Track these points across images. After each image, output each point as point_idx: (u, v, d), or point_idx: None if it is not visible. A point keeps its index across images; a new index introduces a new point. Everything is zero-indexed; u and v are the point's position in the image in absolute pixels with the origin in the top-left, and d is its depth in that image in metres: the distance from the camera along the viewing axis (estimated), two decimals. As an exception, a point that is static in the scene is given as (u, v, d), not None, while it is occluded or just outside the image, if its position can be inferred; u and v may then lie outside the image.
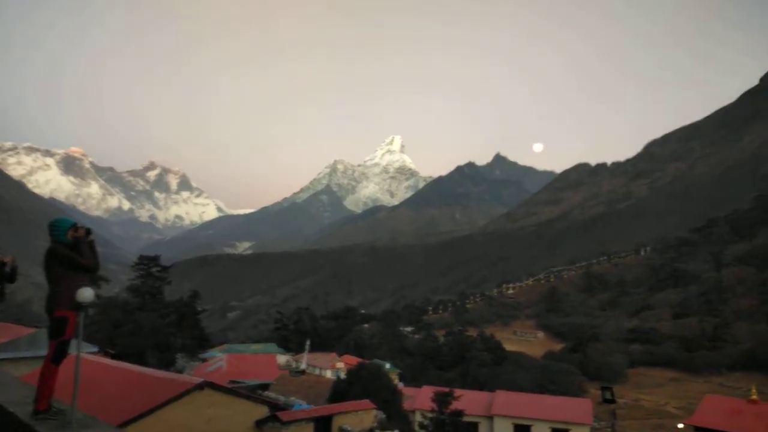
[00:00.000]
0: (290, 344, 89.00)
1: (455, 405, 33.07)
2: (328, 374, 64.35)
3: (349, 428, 23.41)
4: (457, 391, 35.82)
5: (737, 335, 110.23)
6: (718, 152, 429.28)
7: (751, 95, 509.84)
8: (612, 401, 33.37)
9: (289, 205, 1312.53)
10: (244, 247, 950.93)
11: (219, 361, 57.72)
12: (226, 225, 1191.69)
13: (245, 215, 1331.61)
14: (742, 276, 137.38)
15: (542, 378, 78.91)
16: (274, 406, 21.15)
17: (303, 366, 62.68)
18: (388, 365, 70.73)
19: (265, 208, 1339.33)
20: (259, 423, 19.74)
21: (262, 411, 20.01)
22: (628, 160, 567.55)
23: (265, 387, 40.81)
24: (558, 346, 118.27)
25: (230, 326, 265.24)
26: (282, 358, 69.10)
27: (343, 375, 46.03)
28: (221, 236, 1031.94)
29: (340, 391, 37.67)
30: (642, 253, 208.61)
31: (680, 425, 46.36)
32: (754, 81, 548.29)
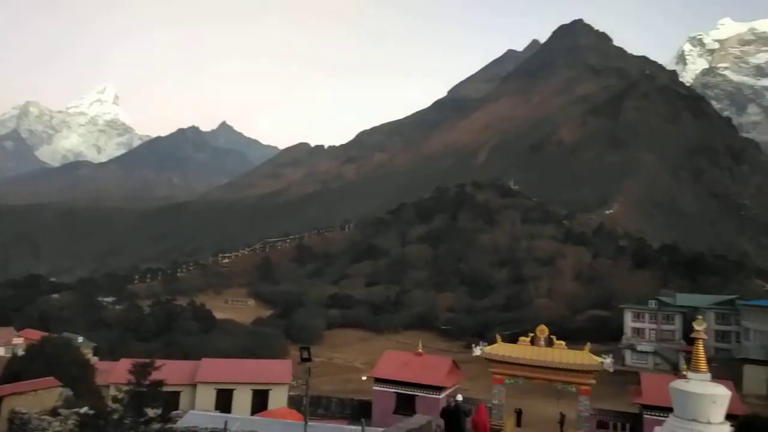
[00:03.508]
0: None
1: (156, 375, 32.16)
2: (1, 351, 55.66)
3: (24, 410, 20.90)
4: (159, 362, 34.71)
5: (413, 300, 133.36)
6: (412, 148, 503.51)
7: (440, 104, 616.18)
8: (308, 360, 36.75)
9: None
10: None
11: None
12: None
13: None
14: (420, 252, 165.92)
15: (250, 343, 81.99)
16: None
17: (-36, 345, 52.33)
18: (81, 339, 64.14)
19: None
20: None
21: None
22: (342, 145, 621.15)
23: None
24: (268, 313, 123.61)
25: None
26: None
27: (21, 351, 40.09)
28: None
29: (17, 370, 32.99)
30: (346, 229, 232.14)
31: (364, 378, 53.99)
32: (444, 93, 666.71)
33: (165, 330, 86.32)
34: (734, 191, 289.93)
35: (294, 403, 40.74)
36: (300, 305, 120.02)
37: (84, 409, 22.93)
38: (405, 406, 40.05)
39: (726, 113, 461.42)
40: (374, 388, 42.37)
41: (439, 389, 39.63)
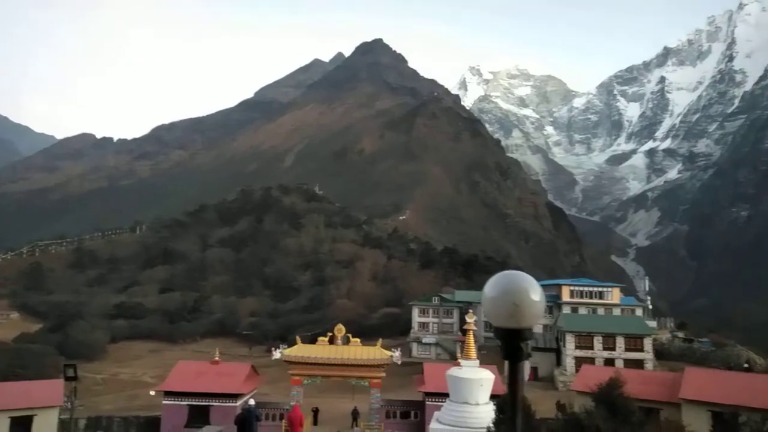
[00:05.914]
0: None
1: None
2: None
3: None
4: None
5: (212, 306, 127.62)
6: (216, 147, 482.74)
7: (246, 105, 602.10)
8: (74, 378, 33.01)
9: None
10: None
11: None
12: None
13: None
14: (222, 256, 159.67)
15: (12, 363, 70.79)
16: None
17: None
18: None
19: None
20: None
21: None
22: (135, 139, 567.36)
23: None
24: (36, 327, 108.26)
25: None
26: None
27: None
28: None
29: None
30: (138, 231, 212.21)
31: (152, 392, 50.18)
32: (250, 94, 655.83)
33: None
34: (501, 202, 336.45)
35: (66, 427, 36.62)
36: (78, 317, 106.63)
37: None
38: (199, 418, 38.39)
39: (496, 135, 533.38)
40: (164, 402, 39.79)
41: (235, 396, 38.77)
